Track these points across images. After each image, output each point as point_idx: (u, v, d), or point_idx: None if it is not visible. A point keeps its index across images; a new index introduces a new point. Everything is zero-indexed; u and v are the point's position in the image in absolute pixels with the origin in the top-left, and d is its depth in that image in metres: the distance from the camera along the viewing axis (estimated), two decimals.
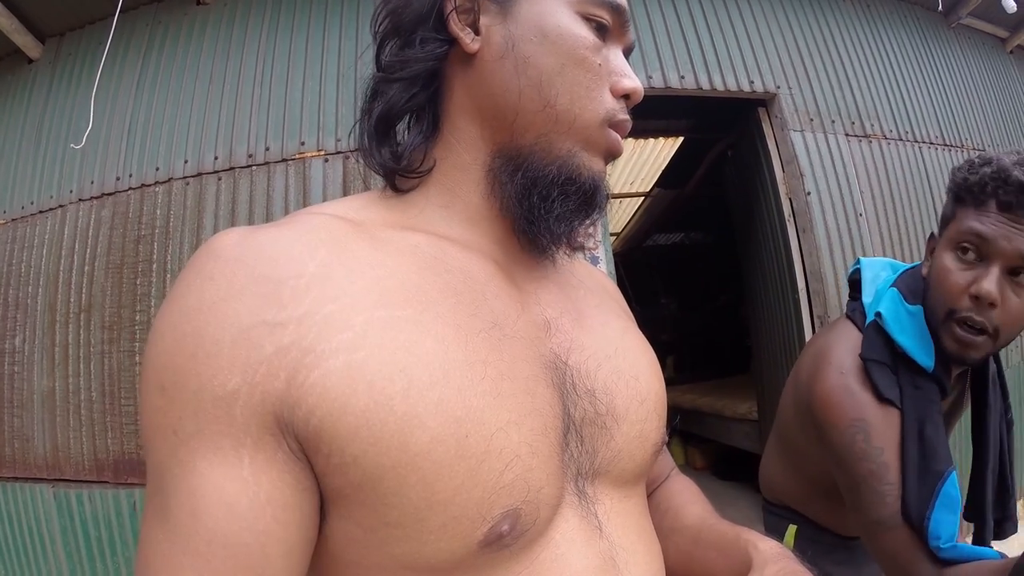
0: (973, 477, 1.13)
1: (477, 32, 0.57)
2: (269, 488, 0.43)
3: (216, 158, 2.47)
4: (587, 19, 0.58)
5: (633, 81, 0.59)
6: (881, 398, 1.02)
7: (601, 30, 0.59)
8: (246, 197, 2.42)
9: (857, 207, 3.13)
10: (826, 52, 3.48)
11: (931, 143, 3.88)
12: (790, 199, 3.07)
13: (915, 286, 1.09)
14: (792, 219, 3.05)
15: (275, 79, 2.58)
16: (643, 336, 0.71)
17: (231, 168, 2.43)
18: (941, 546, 0.94)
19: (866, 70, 3.65)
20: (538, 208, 0.56)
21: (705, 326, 7.63)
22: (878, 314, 1.07)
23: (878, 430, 1.01)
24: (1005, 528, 1.14)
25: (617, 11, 0.59)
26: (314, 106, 2.53)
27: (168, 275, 2.40)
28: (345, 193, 2.36)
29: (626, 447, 0.58)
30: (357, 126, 0.61)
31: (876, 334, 1.07)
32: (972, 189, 0.98)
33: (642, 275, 7.91)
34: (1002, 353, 1.15)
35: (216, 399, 0.42)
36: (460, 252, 0.56)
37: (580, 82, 0.57)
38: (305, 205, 2.33)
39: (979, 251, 0.96)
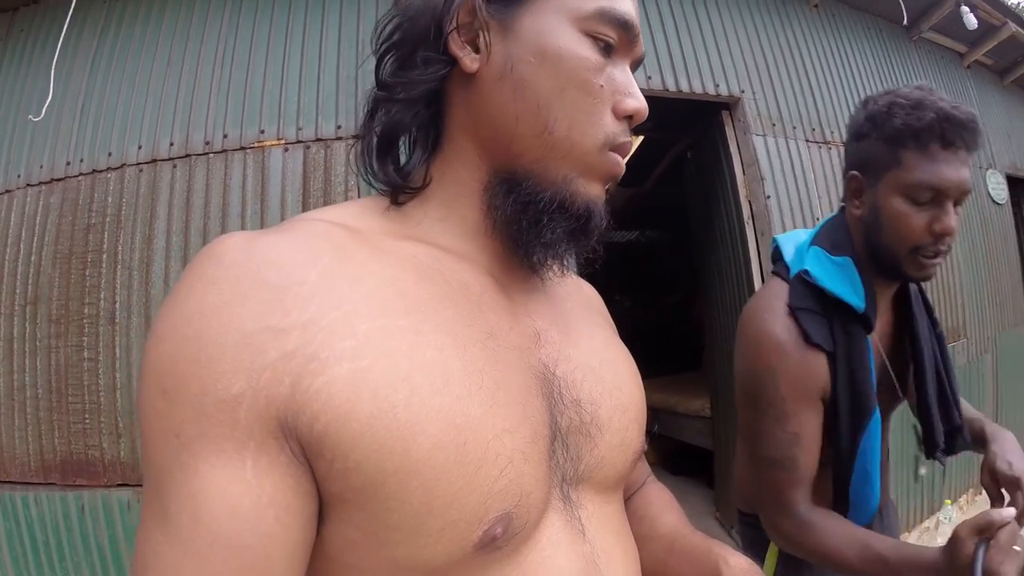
0: (916, 384, 1.21)
1: (477, 50, 0.56)
2: (272, 491, 0.43)
3: (172, 144, 2.38)
4: (592, 37, 0.56)
5: (637, 101, 0.58)
6: (809, 342, 1.09)
7: (607, 48, 0.57)
8: (202, 186, 2.33)
9: (815, 212, 3.20)
10: (791, 59, 3.55)
11: None
12: (750, 202, 3.13)
13: (837, 239, 1.17)
14: (751, 222, 3.11)
15: (236, 64, 2.49)
16: (624, 347, 0.72)
17: (187, 155, 2.36)
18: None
19: (829, 79, 3.73)
20: (527, 233, 0.57)
21: (659, 323, 7.71)
22: (805, 271, 1.14)
23: (791, 377, 1.09)
24: (955, 441, 1.22)
25: (625, 27, 0.57)
26: (275, 93, 2.45)
27: (119, 266, 2.30)
28: (305, 185, 2.33)
29: (608, 455, 0.60)
30: (358, 142, 0.61)
31: (803, 286, 1.14)
32: (917, 134, 1.03)
33: (597, 271, 7.97)
34: (951, 356, 1.24)
35: (220, 403, 0.42)
36: (456, 263, 0.57)
37: (580, 106, 0.56)
38: (263, 196, 2.31)
39: (936, 195, 1.04)
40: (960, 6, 4.28)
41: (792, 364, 1.09)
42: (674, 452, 5.12)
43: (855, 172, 1.14)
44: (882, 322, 1.21)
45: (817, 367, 1.10)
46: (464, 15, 0.55)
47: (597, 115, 0.56)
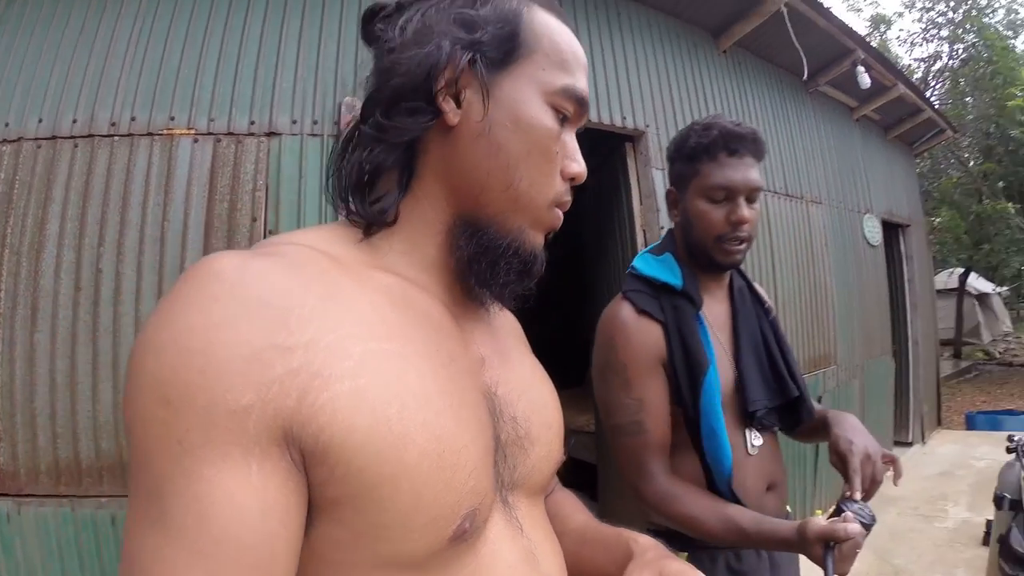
0: (733, 354, 1.38)
1: (459, 105, 0.62)
2: (275, 494, 0.47)
3: (75, 121, 2.22)
4: (555, 109, 0.65)
5: (580, 166, 0.68)
6: (640, 311, 1.30)
7: (563, 119, 0.66)
8: (103, 171, 2.20)
9: None
10: (696, 99, 3.79)
11: (776, 192, 4.31)
12: (644, 230, 3.33)
13: (662, 245, 1.43)
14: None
15: (152, 43, 2.33)
16: (544, 370, 0.81)
17: (90, 135, 2.21)
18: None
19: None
20: (485, 273, 0.64)
21: (544, 339, 7.94)
22: (632, 267, 1.40)
23: (629, 344, 1.28)
24: (799, 414, 1.40)
25: (581, 103, 0.67)
26: (190, 79, 2.33)
27: (6, 250, 2.13)
28: (212, 180, 2.25)
29: (537, 464, 0.70)
30: (334, 174, 0.66)
31: (632, 278, 1.38)
32: (707, 148, 1.31)
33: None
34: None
35: (229, 412, 0.46)
36: (418, 293, 0.63)
37: (540, 168, 0.64)
38: (168, 188, 2.22)
39: (728, 193, 1.30)
40: (856, 66, 4.66)
41: (629, 332, 1.28)
42: (560, 466, 5.29)
43: (671, 188, 1.40)
44: (718, 312, 1.40)
45: (651, 334, 1.29)
46: (453, 73, 0.61)
47: (551, 176, 0.66)
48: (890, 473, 1.23)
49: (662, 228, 3.24)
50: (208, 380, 0.46)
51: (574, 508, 0.90)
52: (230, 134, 2.30)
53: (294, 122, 2.37)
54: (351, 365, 0.51)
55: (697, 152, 1.32)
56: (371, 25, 0.66)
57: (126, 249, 2.19)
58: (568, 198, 0.68)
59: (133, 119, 2.26)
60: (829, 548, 1.03)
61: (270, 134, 2.32)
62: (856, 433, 1.23)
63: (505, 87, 0.63)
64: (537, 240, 0.67)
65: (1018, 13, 12.87)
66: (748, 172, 1.30)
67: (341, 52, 2.52)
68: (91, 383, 2.12)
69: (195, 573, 0.44)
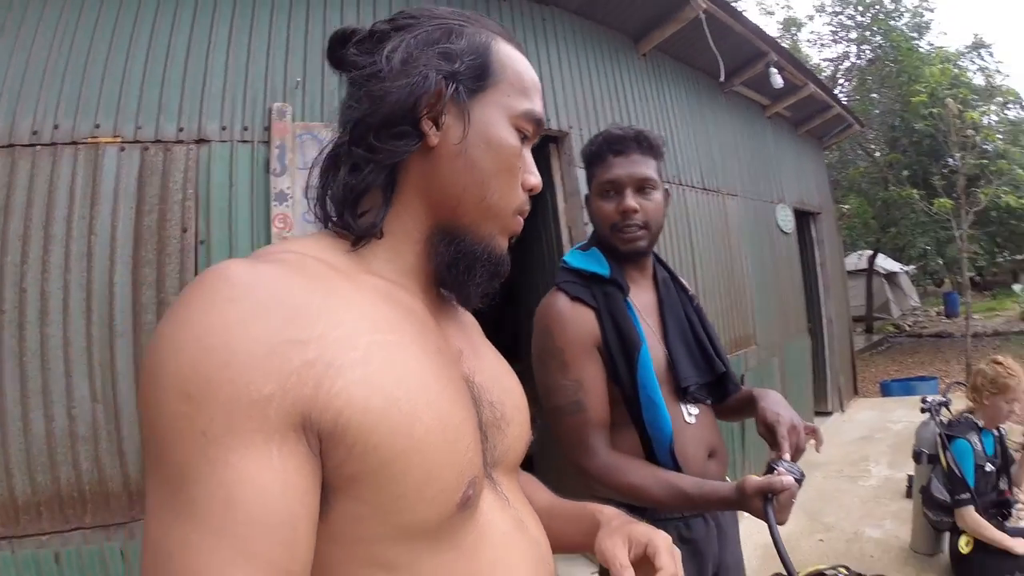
0: (662, 336, 1.50)
1: (439, 127, 0.68)
2: (295, 475, 0.51)
3: None
4: (517, 129, 0.73)
5: (537, 178, 0.76)
6: (574, 299, 1.41)
7: (523, 137, 0.74)
8: (25, 183, 2.05)
9: None
10: (618, 100, 3.96)
11: (694, 187, 4.55)
12: (569, 228, 3.48)
13: (589, 241, 1.55)
14: (570, 246, 3.46)
15: (76, 45, 2.17)
16: (505, 360, 0.88)
17: (11, 145, 2.06)
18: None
19: (650, 120, 4.19)
20: (462, 276, 0.72)
21: None
22: (563, 261, 1.52)
23: (564, 329, 1.38)
24: (726, 388, 1.55)
25: (539, 124, 0.75)
26: (115, 84, 2.20)
27: None
28: (140, 191, 2.16)
29: (513, 443, 0.76)
30: (318, 190, 0.70)
31: (563, 271, 1.50)
32: (596, 152, 1.48)
33: None
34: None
35: (252, 402, 0.49)
36: (403, 294, 0.69)
37: (507, 182, 0.72)
38: (94, 200, 2.11)
39: (615, 188, 1.45)
40: (769, 67, 4.94)
41: (565, 319, 1.39)
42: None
43: (586, 194, 1.55)
44: (645, 299, 1.52)
45: (585, 319, 1.39)
46: (437, 100, 0.67)
47: (515, 189, 0.74)
48: (812, 442, 1.35)
49: (586, 225, 3.37)
50: (231, 373, 0.49)
51: (536, 487, 0.96)
52: (158, 142, 2.22)
53: (223, 129, 2.33)
54: (359, 355, 0.56)
55: (591, 158, 1.49)
56: (343, 50, 0.72)
57: (51, 266, 2.06)
58: (527, 207, 0.77)
59: (56, 127, 2.14)
60: (768, 500, 1.13)
61: (199, 141, 2.28)
62: (781, 406, 1.34)
63: (476, 110, 0.70)
64: (504, 245, 0.76)
65: (923, 16, 13.62)
66: (633, 167, 1.44)
67: (271, 58, 2.50)
68: (20, 412, 1.99)
69: (224, 554, 0.47)
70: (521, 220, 0.77)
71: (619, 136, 1.45)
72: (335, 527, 0.56)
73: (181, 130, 2.28)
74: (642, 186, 1.44)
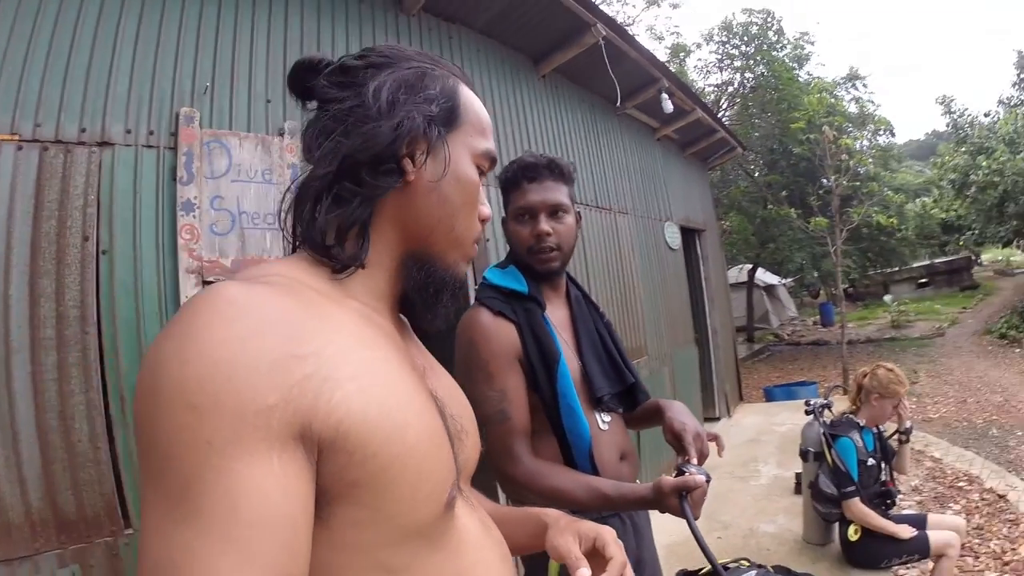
0: (576, 350, 1.58)
1: (414, 164, 0.73)
2: (295, 482, 0.53)
3: None
4: (477, 166, 0.80)
5: (489, 210, 0.84)
6: (496, 313, 1.48)
7: (480, 173, 0.81)
8: None
9: None
10: (516, 119, 4.16)
11: (587, 205, 4.81)
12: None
13: (505, 261, 1.63)
14: (471, 262, 3.59)
15: None
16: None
17: None
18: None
19: (547, 140, 4.43)
20: (432, 299, 0.78)
21: None
22: (483, 278, 1.58)
23: (488, 343, 1.44)
24: (636, 397, 1.64)
25: (493, 161, 0.83)
26: (13, 77, 2.00)
27: None
28: (39, 194, 1.97)
29: (471, 453, 0.82)
30: (303, 220, 0.72)
31: (485, 287, 1.56)
32: (512, 179, 1.57)
33: None
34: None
35: (257, 412, 0.52)
36: (377, 317, 0.74)
37: (470, 214, 0.79)
38: None
39: (529, 213, 1.54)
40: (661, 93, 5.29)
41: (488, 332, 1.45)
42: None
43: (503, 216, 1.64)
44: (560, 316, 1.60)
45: (507, 332, 1.46)
46: (419, 139, 0.73)
47: (474, 220, 0.81)
48: (715, 446, 1.48)
49: (487, 240, 3.53)
50: (236, 385, 0.52)
51: (479, 496, 0.99)
52: (58, 142, 2.04)
53: (128, 132, 2.20)
54: (352, 370, 0.60)
55: (506, 185, 1.59)
56: (311, 79, 0.76)
57: None
58: (480, 234, 0.84)
59: None
60: (683, 497, 1.23)
61: (102, 144, 2.13)
62: (686, 416, 1.47)
63: (446, 150, 0.76)
64: (464, 270, 0.83)
65: (803, 48, 14.76)
66: (546, 193, 1.53)
67: (179, 60, 2.39)
68: None
69: (231, 559, 0.49)
70: (476, 247, 0.84)
71: (532, 164, 1.55)
72: (336, 533, 0.59)
73: (83, 131, 2.11)
74: (555, 211, 1.54)
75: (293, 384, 0.55)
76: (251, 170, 2.42)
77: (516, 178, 1.56)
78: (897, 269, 19.70)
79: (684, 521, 1.22)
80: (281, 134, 2.56)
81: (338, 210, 0.71)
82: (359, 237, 0.72)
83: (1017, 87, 18.10)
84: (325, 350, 0.59)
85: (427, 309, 0.79)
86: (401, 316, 0.83)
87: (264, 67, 2.63)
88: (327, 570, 0.59)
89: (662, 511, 1.29)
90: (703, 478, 1.26)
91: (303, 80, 0.77)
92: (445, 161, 0.76)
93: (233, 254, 2.31)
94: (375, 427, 0.59)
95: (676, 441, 1.42)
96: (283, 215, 0.75)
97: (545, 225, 1.52)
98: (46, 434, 1.84)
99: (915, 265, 21.84)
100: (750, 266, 16.92)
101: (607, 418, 1.57)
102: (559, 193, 1.56)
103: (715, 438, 1.48)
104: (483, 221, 0.84)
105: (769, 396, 9.34)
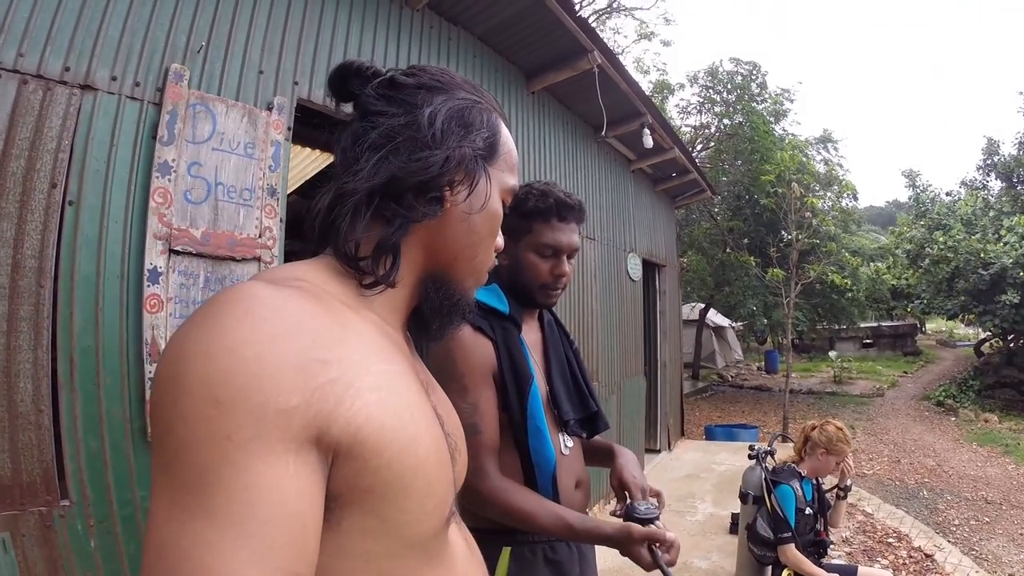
0: (545, 374, 1.60)
1: (452, 193, 0.75)
2: (308, 483, 0.54)
3: None
4: (503, 200, 0.83)
5: (502, 240, 0.87)
6: (475, 328, 1.47)
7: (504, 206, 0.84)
8: None
9: None
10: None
11: None
12: None
13: (488, 278, 1.63)
14: None
15: None
16: None
17: None
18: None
19: (528, 156, 4.50)
20: (445, 318, 0.81)
21: None
22: None
23: (465, 356, 1.44)
24: (596, 425, 1.65)
25: (513, 194, 0.86)
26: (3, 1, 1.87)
27: None
28: (10, 131, 1.83)
29: (461, 471, 0.82)
30: (336, 229, 0.72)
31: None
32: (543, 212, 1.55)
33: None
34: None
35: (279, 412, 0.52)
36: (390, 329, 0.75)
37: (491, 246, 0.83)
38: None
39: (555, 252, 1.55)
40: (643, 127, 5.40)
41: (467, 346, 1.45)
42: None
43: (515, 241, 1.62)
44: (533, 338, 1.63)
45: (484, 348, 1.47)
46: (466, 173, 0.76)
47: (492, 250, 0.84)
48: (657, 502, 1.48)
49: None
50: (262, 383, 0.52)
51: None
52: (39, 76, 1.94)
53: (114, 79, 2.10)
54: (374, 379, 0.61)
55: (533, 214, 1.55)
56: (356, 85, 0.77)
57: None
58: (493, 264, 0.87)
59: None
60: (653, 546, 1.27)
61: (85, 87, 2.03)
62: (635, 468, 1.54)
63: (481, 183, 0.78)
64: (474, 295, 0.85)
65: (782, 105, 15.21)
66: (572, 236, 1.57)
67: (178, 12, 2.29)
68: None
69: (242, 555, 0.49)
70: (487, 275, 0.87)
71: (569, 204, 1.56)
72: (345, 539, 0.60)
73: (67, 69, 2.00)
74: (573, 255, 1.59)
75: (316, 387, 0.55)
76: (234, 141, 2.37)
77: (549, 212, 1.56)
78: (844, 327, 20.31)
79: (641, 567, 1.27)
80: (269, 108, 2.53)
81: (377, 227, 0.72)
82: (392, 256, 0.73)
83: (982, 171, 18.95)
84: (350, 358, 0.60)
85: (438, 326, 0.82)
86: (407, 332, 0.85)
87: (262, 37, 2.59)
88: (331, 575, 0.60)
89: (624, 555, 1.31)
90: (674, 535, 1.30)
91: (346, 83, 0.78)
92: (486, 195, 0.78)
93: (204, 225, 2.25)
94: (391, 437, 0.60)
95: (622, 489, 1.48)
96: (315, 216, 0.75)
97: (567, 267, 1.56)
98: None
99: (862, 325, 22.54)
100: (703, 305, 17.31)
101: (570, 443, 1.59)
102: (578, 237, 1.61)
103: (657, 495, 1.51)
104: (496, 251, 0.86)
105: (710, 435, 9.56)
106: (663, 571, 1.25)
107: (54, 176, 1.94)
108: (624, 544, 1.30)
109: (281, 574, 0.50)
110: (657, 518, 1.32)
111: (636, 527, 1.30)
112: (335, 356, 0.58)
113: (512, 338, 1.52)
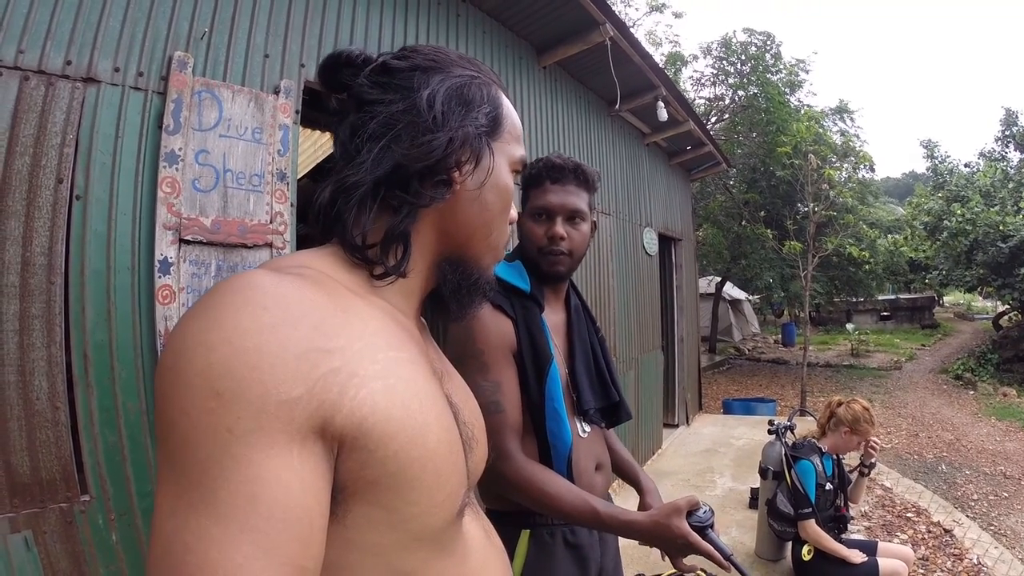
0: (568, 358, 1.58)
1: (461, 174, 0.74)
2: (311, 475, 0.53)
3: None
4: (512, 171, 0.81)
5: (516, 212, 0.86)
6: (495, 306, 1.44)
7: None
8: None
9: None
10: (514, 106, 4.10)
11: None
12: None
13: (512, 255, 1.61)
14: None
15: None
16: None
17: None
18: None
19: (540, 131, 4.43)
20: (465, 299, 0.79)
21: None
22: None
23: (485, 333, 1.42)
24: (619, 415, 1.64)
25: (525, 167, 0.87)
26: None
27: None
28: (14, 128, 1.82)
29: (479, 461, 0.80)
30: (343, 220, 0.71)
31: None
32: (535, 177, 1.57)
33: None
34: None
35: (280, 403, 0.51)
36: (402, 317, 0.74)
37: (505, 221, 0.81)
38: None
39: (547, 213, 1.54)
40: (658, 100, 5.30)
41: (486, 323, 1.42)
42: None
43: (519, 211, 1.59)
44: (556, 320, 1.59)
45: (504, 326, 1.44)
46: (471, 152, 0.74)
47: (507, 224, 0.83)
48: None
49: None
50: (262, 374, 0.51)
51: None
52: (41, 72, 1.92)
53: (117, 70, 2.08)
54: (379, 368, 0.60)
55: (529, 181, 1.59)
56: (348, 75, 0.74)
57: None
58: (509, 238, 0.86)
59: None
60: (706, 530, 1.26)
61: (87, 80, 2.01)
62: (659, 501, 1.54)
63: (489, 159, 0.77)
64: (493, 272, 0.84)
65: (798, 76, 14.82)
66: (567, 197, 1.53)
67: (180, 0, 2.26)
68: None
69: (246, 548, 0.48)
70: (504, 251, 0.86)
71: (559, 165, 1.54)
72: (352, 532, 0.59)
73: (69, 63, 1.97)
74: (572, 216, 1.54)
75: (319, 377, 0.54)
76: (241, 126, 2.34)
77: (540, 177, 1.56)
78: (862, 300, 20.19)
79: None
80: (276, 92, 2.48)
81: (385, 216, 0.71)
82: (402, 245, 0.72)
83: (1000, 142, 18.56)
84: (352, 346, 0.59)
85: (459, 307, 0.80)
86: (421, 319, 0.83)
87: (266, 20, 2.54)
88: (339, 570, 0.59)
89: (652, 545, 1.29)
90: (729, 552, 1.28)
91: (338, 74, 0.75)
92: (489, 171, 0.77)
93: (214, 214, 2.21)
94: (398, 427, 0.59)
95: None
96: (318, 212, 0.73)
97: (560, 228, 1.52)
98: (3, 390, 1.74)
99: (880, 298, 22.33)
100: (719, 279, 17.17)
101: (587, 427, 1.56)
102: (579, 199, 1.56)
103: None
104: (511, 224, 0.85)
105: (727, 409, 9.51)
106: (723, 553, 1.26)
107: (60, 171, 1.92)
108: (657, 535, 1.27)
109: (287, 568, 0.50)
110: (712, 525, 1.29)
111: (682, 525, 1.26)
112: (338, 344, 0.57)
113: (533, 317, 1.49)
